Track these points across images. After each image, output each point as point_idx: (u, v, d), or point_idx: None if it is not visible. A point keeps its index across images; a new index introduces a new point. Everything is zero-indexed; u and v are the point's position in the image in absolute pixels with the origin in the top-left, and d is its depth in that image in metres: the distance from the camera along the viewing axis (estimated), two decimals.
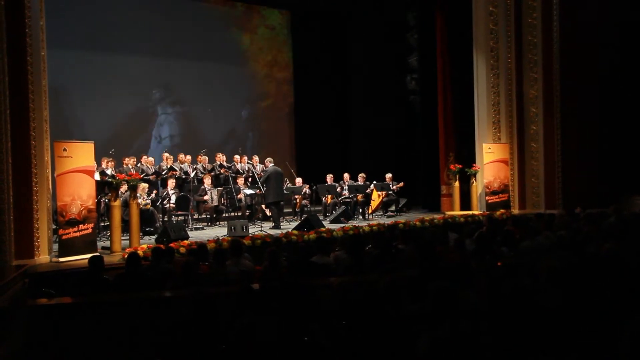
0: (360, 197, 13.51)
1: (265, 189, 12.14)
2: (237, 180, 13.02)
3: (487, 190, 13.34)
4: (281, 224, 12.14)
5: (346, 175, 14.17)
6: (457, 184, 13.75)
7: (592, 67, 13.17)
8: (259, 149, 16.01)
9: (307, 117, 17.78)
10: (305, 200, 13.64)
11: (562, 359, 3.01)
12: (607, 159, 13.21)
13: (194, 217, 12.63)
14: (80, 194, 8.79)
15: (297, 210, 13.61)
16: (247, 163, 13.89)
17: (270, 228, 11.47)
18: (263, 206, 12.93)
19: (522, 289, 3.63)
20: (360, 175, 13.94)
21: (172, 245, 8.47)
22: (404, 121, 16.89)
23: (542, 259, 5.28)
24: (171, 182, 11.97)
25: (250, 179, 13.44)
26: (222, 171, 13.27)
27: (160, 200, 11.64)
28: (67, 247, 8.61)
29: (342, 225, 11.33)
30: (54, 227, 9.18)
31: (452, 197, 13.97)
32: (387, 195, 14.05)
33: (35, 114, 8.48)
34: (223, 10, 16.99)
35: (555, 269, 4.18)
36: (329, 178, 13.97)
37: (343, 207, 13.01)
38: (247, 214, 12.66)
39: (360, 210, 13.69)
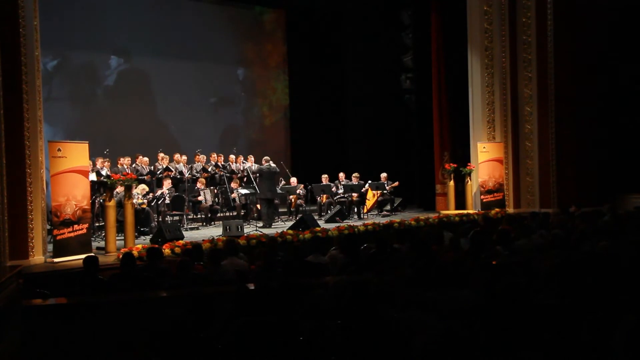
0: (355, 196, 13.52)
1: (258, 186, 12.20)
2: (232, 181, 13.01)
3: (482, 189, 13.37)
4: (275, 222, 12.17)
5: (341, 175, 14.17)
6: (452, 183, 13.78)
7: (586, 67, 13.21)
8: (254, 148, 15.99)
9: (302, 117, 17.78)
10: (301, 200, 13.64)
11: (557, 356, 3.02)
12: (602, 158, 13.26)
13: (189, 217, 12.62)
14: (74, 194, 8.76)
15: (292, 210, 13.60)
16: (242, 163, 13.87)
17: (260, 227, 11.46)
18: (258, 206, 12.92)
19: (518, 288, 3.63)
20: (354, 175, 13.94)
21: (165, 246, 8.48)
22: (399, 120, 16.89)
23: (537, 257, 5.30)
24: (167, 182, 11.96)
25: (245, 179, 13.44)
26: (217, 170, 13.26)
27: (155, 200, 11.62)
28: (61, 248, 8.58)
29: (338, 224, 11.33)
30: (48, 227, 9.15)
31: (447, 196, 14.00)
32: (382, 194, 14.05)
33: (29, 114, 8.44)
34: (218, 9, 16.96)
35: (550, 268, 4.19)
36: (324, 178, 13.96)
37: (338, 206, 13.02)
38: (242, 213, 12.65)
39: (356, 209, 13.69)
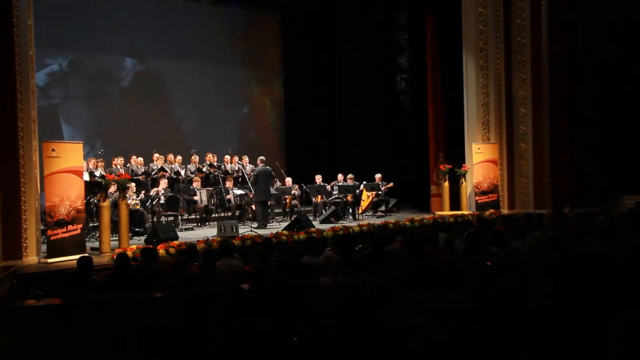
0: (350, 197, 13.51)
1: (254, 188, 12.19)
2: (226, 181, 13.00)
3: (477, 190, 13.39)
4: (270, 223, 12.15)
5: (340, 176, 14.12)
6: (446, 184, 13.80)
7: (580, 68, 13.25)
8: (249, 149, 15.97)
9: (297, 117, 17.76)
10: (295, 201, 13.63)
11: (552, 357, 3.03)
12: (596, 159, 13.30)
13: (184, 217, 12.59)
14: (69, 194, 8.74)
15: (287, 210, 13.59)
16: (237, 163, 13.86)
17: (255, 227, 11.46)
18: (253, 206, 12.91)
19: (512, 288, 3.64)
20: (348, 176, 13.92)
21: (159, 246, 8.46)
22: (394, 121, 16.89)
23: (532, 258, 5.31)
24: (163, 182, 11.93)
25: (240, 179, 13.42)
26: (212, 170, 13.25)
27: (150, 200, 11.59)
28: (55, 248, 8.55)
29: (332, 225, 11.34)
30: (42, 227, 9.11)
31: (441, 197, 14.01)
32: (377, 195, 14.06)
33: (23, 114, 8.41)
34: (213, 10, 16.94)
35: (543, 269, 4.20)
36: (318, 179, 13.94)
37: (333, 207, 13.01)
38: (237, 214, 12.65)
39: (350, 210, 13.69)
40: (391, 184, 14.33)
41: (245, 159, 14.03)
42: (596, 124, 13.36)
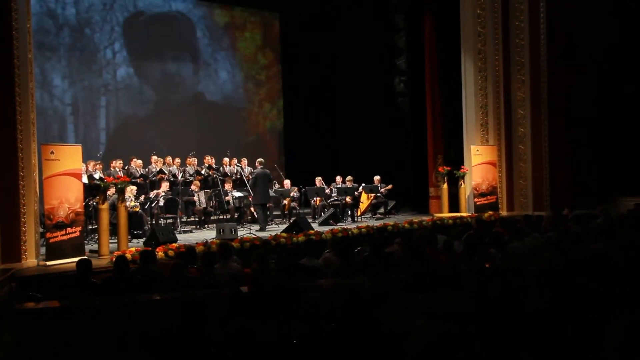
0: (348, 199, 13.51)
1: (253, 191, 12.18)
2: (225, 183, 13.00)
3: (476, 192, 13.39)
4: (269, 225, 12.15)
5: (338, 178, 14.10)
6: (445, 186, 13.79)
7: (579, 69, 13.26)
8: (247, 151, 15.98)
9: (295, 119, 17.79)
10: (294, 203, 13.61)
11: (552, 358, 3.03)
12: (595, 161, 13.31)
13: (183, 219, 12.58)
14: (67, 197, 8.73)
15: (285, 212, 13.58)
16: (236, 165, 13.85)
17: (256, 230, 11.45)
18: (252, 209, 12.91)
19: (511, 290, 3.64)
20: (347, 178, 13.90)
21: (158, 249, 8.45)
22: (393, 123, 16.89)
23: (531, 260, 5.30)
24: (164, 185, 11.93)
25: (238, 182, 13.41)
26: (210, 173, 13.24)
27: (149, 202, 11.58)
28: (54, 251, 8.54)
29: (331, 227, 11.33)
30: (41, 230, 9.11)
31: (440, 199, 14.00)
32: (375, 197, 14.04)
33: (22, 117, 8.41)
34: (212, 12, 16.96)
35: (543, 270, 4.19)
36: (318, 181, 13.93)
37: (332, 209, 13.00)
38: (236, 216, 12.64)
39: (349, 212, 13.67)
40: (390, 186, 14.33)
41: (244, 161, 14.02)
42: (595, 125, 13.36)
